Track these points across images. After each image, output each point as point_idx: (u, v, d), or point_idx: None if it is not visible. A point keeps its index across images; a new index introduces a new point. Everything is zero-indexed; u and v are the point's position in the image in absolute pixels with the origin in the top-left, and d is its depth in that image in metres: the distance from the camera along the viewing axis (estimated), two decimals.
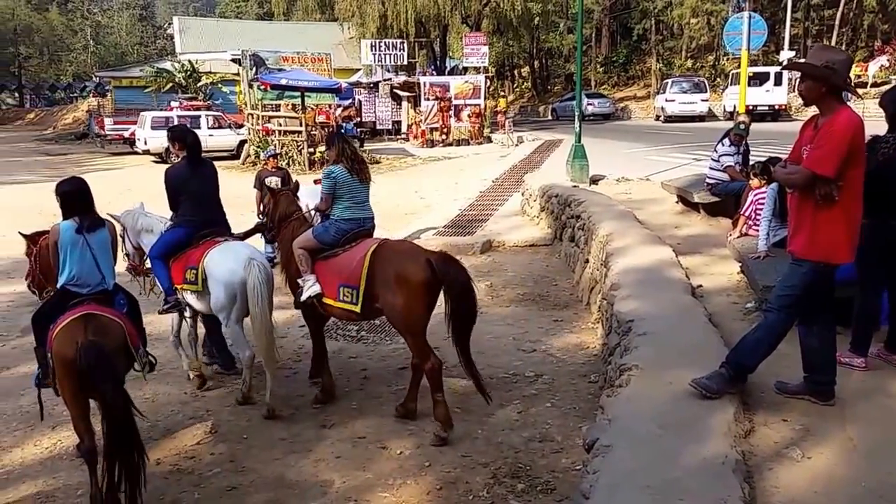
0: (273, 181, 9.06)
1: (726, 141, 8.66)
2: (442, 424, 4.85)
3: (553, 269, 9.36)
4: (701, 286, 6.31)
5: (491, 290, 8.51)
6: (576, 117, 14.39)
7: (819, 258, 3.76)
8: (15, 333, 7.43)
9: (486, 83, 29.66)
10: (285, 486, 4.38)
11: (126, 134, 28.07)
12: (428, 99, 27.88)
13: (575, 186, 11.86)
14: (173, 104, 29.46)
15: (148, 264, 6.04)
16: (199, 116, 25.89)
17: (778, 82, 28.15)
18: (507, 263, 9.65)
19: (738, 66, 23.11)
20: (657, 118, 33.57)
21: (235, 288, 5.38)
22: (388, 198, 15.75)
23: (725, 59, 37.03)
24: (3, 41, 67.77)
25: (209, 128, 25.42)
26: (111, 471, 3.91)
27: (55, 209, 4.57)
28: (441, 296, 5.01)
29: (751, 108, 22.91)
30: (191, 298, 5.75)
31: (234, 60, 29.01)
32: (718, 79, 37.05)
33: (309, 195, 9.15)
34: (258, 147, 22.35)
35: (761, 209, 6.37)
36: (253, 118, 24.34)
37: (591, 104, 35.88)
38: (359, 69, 35.85)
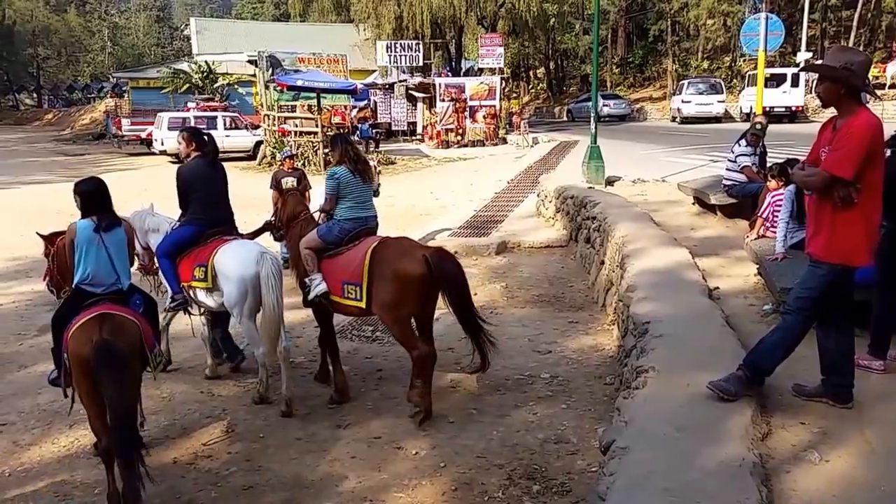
0: (289, 182, 9.11)
1: (743, 141, 8.62)
2: (414, 403, 5.18)
3: (568, 270, 9.34)
4: (718, 288, 6.28)
5: (506, 290, 8.51)
6: (592, 118, 14.35)
7: (837, 260, 3.74)
8: (33, 332, 7.51)
9: (501, 84, 29.63)
10: (301, 485, 4.40)
11: (143, 134, 28.24)
12: (443, 100, 27.89)
13: (590, 188, 11.83)
14: (190, 105, 29.63)
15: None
16: (216, 117, 26.02)
17: (795, 83, 27.93)
18: (523, 264, 9.64)
19: (755, 68, 22.93)
20: (673, 119, 33.40)
21: (247, 283, 5.45)
22: (403, 198, 15.79)
23: (742, 60, 36.76)
24: (22, 42, 68.53)
25: (226, 129, 25.56)
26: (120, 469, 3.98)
27: (73, 209, 4.61)
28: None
29: (767, 109, 22.73)
30: (200, 295, 5.82)
31: (250, 62, 29.12)
32: (735, 80, 36.81)
33: (320, 196, 9.21)
34: (274, 148, 22.45)
35: (779, 211, 6.33)
36: (269, 119, 24.44)
37: (606, 105, 35.73)
38: (374, 70, 35.92)
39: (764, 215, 6.88)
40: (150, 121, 28.15)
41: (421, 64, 33.08)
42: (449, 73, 34.05)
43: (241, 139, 25.69)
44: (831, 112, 3.89)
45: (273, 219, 6.48)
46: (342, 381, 5.69)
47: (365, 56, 39.16)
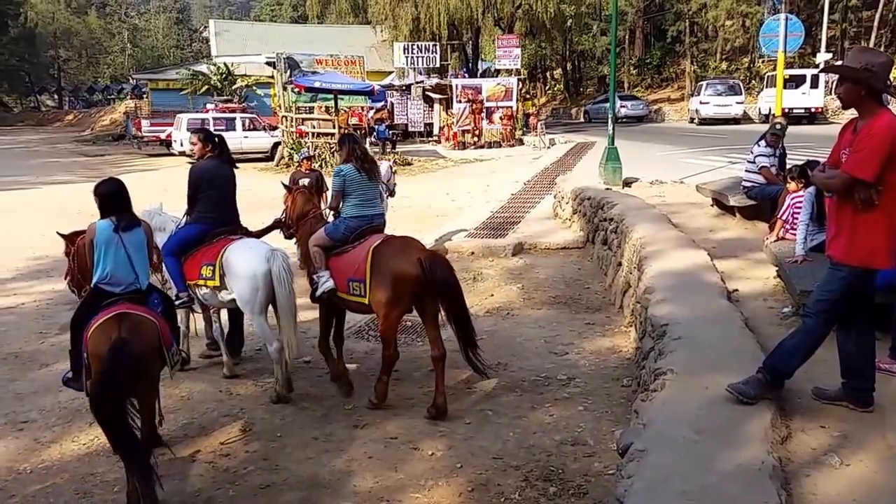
0: (307, 183, 9.16)
1: (762, 142, 8.55)
2: (377, 395, 5.42)
3: (585, 272, 9.31)
4: (737, 290, 6.23)
5: (523, 292, 8.50)
6: (609, 119, 14.30)
7: (858, 263, 3.70)
8: (54, 331, 7.58)
9: (518, 85, 29.61)
10: (318, 484, 4.41)
11: (162, 135, 28.49)
12: (460, 101, 27.91)
13: (608, 189, 11.79)
14: (209, 106, 29.85)
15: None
16: (234, 119, 26.19)
17: (814, 85, 27.70)
18: (539, 266, 9.62)
19: (774, 69, 22.75)
20: (691, 121, 33.22)
21: (259, 280, 5.54)
22: (419, 199, 15.84)
23: (760, 61, 36.50)
24: (44, 44, 69.42)
25: (244, 130, 25.73)
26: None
27: (93, 209, 4.66)
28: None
29: (787, 110, 22.58)
30: (206, 293, 5.91)
31: (268, 63, 29.35)
32: (753, 81, 36.55)
33: None
34: (291, 149, 22.57)
35: (798, 213, 6.28)
36: (287, 120, 24.58)
37: (624, 106, 35.61)
38: (391, 72, 36.02)
39: (784, 217, 6.83)
40: (169, 122, 28.38)
41: (438, 65, 33.11)
42: (466, 75, 34.07)
43: (259, 140, 25.84)
44: (851, 114, 3.86)
45: (283, 217, 6.58)
46: (343, 369, 5.99)
47: (382, 57, 39.28)
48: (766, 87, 28.91)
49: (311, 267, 5.80)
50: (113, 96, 62.87)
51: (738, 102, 30.76)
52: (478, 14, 33.11)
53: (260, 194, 11.06)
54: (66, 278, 5.87)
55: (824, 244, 4.06)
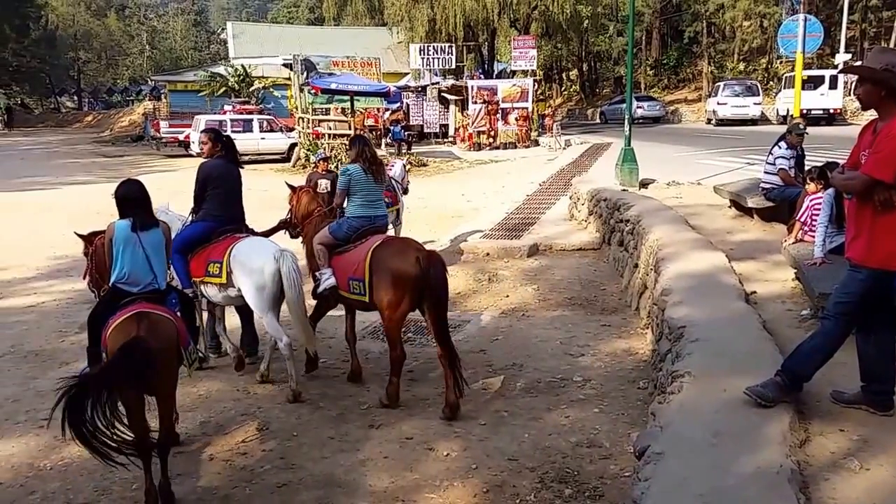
0: (323, 184, 9.19)
1: (783, 144, 8.47)
2: (388, 397, 5.47)
3: (601, 273, 9.28)
4: (755, 293, 6.19)
5: (538, 293, 8.49)
6: (626, 120, 14.25)
7: (878, 265, 3.67)
8: (74, 329, 7.65)
9: (534, 86, 29.56)
10: (334, 484, 4.43)
11: (181, 137, 28.69)
12: (475, 102, 27.91)
13: (624, 190, 11.75)
14: (226, 108, 30.01)
15: None
16: (252, 120, 26.36)
17: (833, 86, 27.48)
18: (555, 267, 9.60)
19: (792, 70, 22.60)
20: (708, 122, 33.05)
21: (266, 278, 5.64)
22: (435, 200, 15.85)
23: (778, 62, 36.23)
24: (64, 46, 70.13)
25: (261, 131, 25.89)
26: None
27: (112, 209, 4.70)
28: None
29: (805, 112, 22.41)
30: (211, 291, 6.00)
31: (285, 65, 29.49)
32: (771, 82, 36.29)
33: None
34: (308, 150, 22.68)
35: (817, 215, 6.23)
36: (303, 122, 24.69)
37: (640, 107, 35.45)
38: (407, 73, 36.10)
39: (802, 219, 6.78)
40: (187, 123, 28.58)
41: (453, 66, 33.13)
42: (481, 76, 34.05)
43: (276, 142, 25.99)
44: (871, 115, 3.83)
45: (288, 217, 6.72)
46: (315, 355, 6.25)
47: (398, 59, 39.39)
48: (784, 87, 28.71)
49: (312, 264, 6.01)
50: (132, 98, 63.54)
51: (755, 103, 30.57)
52: (493, 15, 33.11)
53: (276, 195, 11.07)
54: (84, 278, 5.94)
55: (843, 246, 4.03)
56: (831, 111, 27.77)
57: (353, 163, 5.94)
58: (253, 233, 6.39)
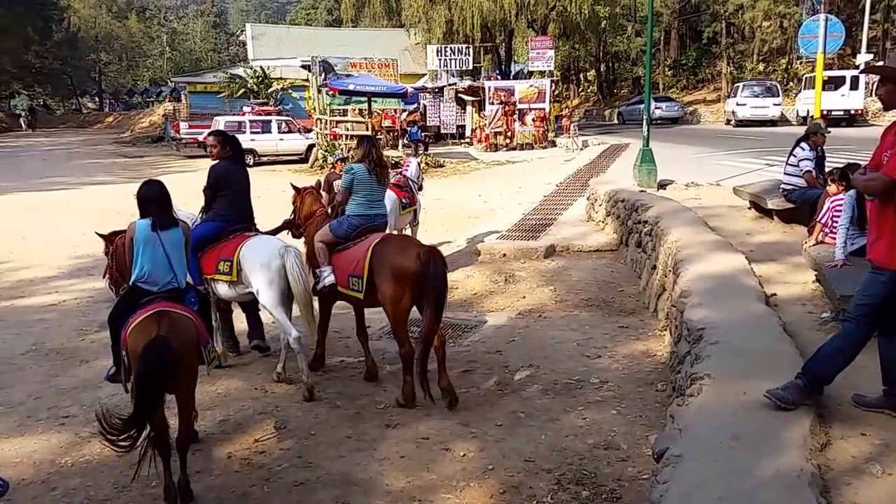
0: (338, 184, 9.24)
1: (805, 145, 8.38)
2: (404, 397, 5.51)
3: (618, 274, 9.24)
4: (775, 295, 6.13)
5: (555, 294, 8.46)
6: (644, 121, 14.17)
7: None
8: (94, 328, 7.73)
9: (551, 87, 29.49)
10: (351, 483, 4.44)
11: (200, 137, 28.78)
12: (492, 103, 27.88)
13: (642, 191, 11.69)
14: (245, 109, 30.19)
15: None
16: (270, 121, 26.49)
17: (854, 86, 27.20)
18: (572, 268, 9.57)
19: (812, 70, 22.38)
20: (727, 122, 32.81)
21: (273, 274, 5.80)
22: (451, 201, 15.86)
23: (798, 62, 35.88)
24: (86, 48, 70.89)
25: (279, 132, 26.02)
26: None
27: (132, 209, 4.75)
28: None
29: (825, 112, 22.19)
30: (222, 288, 6.14)
31: (303, 66, 29.64)
32: (791, 83, 35.96)
33: None
34: (325, 151, 22.75)
35: (838, 216, 6.16)
36: (321, 123, 24.78)
37: (658, 108, 35.28)
38: (424, 74, 36.13)
39: (823, 221, 6.71)
40: (207, 124, 28.71)
41: (470, 67, 33.13)
42: (498, 77, 34.02)
43: (294, 143, 26.12)
44: (893, 115, 3.79)
45: (292, 216, 6.88)
46: (322, 352, 6.41)
47: (415, 60, 39.46)
48: (805, 88, 28.44)
49: (313, 262, 6.13)
50: (152, 99, 63.99)
51: (775, 104, 30.30)
52: (511, 16, 33.06)
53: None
54: (105, 277, 6.01)
55: (865, 248, 3.99)
56: (852, 112, 27.50)
57: (358, 162, 6.09)
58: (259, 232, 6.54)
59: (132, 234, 4.57)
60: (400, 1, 39.68)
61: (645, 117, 14.26)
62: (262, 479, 4.54)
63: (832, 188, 6.91)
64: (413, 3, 35.78)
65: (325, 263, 5.94)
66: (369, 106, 23.35)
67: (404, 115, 28.92)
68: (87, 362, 6.79)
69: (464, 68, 32.87)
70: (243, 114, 28.52)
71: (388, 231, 6.60)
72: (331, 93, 25.03)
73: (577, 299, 8.24)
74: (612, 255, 10.26)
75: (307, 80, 31.02)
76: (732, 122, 31.53)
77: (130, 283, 4.57)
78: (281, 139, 25.90)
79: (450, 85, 32.16)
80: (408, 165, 10.73)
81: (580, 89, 60.60)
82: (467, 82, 32.06)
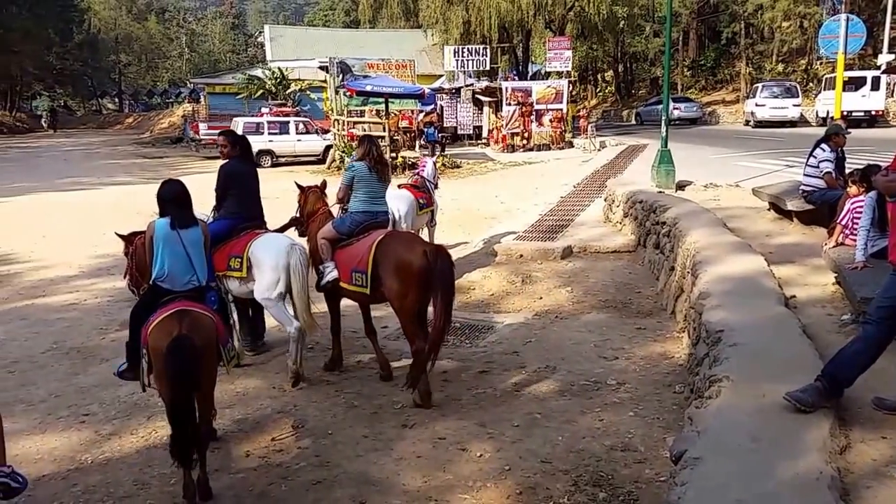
0: None
1: (826, 146, 8.31)
2: (420, 396, 5.50)
3: (636, 276, 9.20)
4: (794, 297, 6.09)
5: (572, 295, 8.44)
6: (662, 121, 14.11)
7: None
8: (114, 327, 7.80)
9: (568, 87, 29.40)
10: (368, 482, 4.46)
11: None
12: (509, 104, 27.84)
13: (660, 192, 11.63)
14: (264, 110, 30.35)
15: None
16: (288, 122, 26.63)
17: (875, 87, 26.93)
18: (589, 269, 9.54)
19: (832, 71, 22.18)
20: (746, 123, 32.59)
21: (279, 271, 5.97)
22: (468, 202, 15.86)
23: (818, 62, 35.56)
24: (106, 50, 71.69)
25: (297, 133, 26.15)
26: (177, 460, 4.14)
27: (151, 209, 4.79)
28: None
29: (846, 113, 21.99)
30: (233, 284, 6.24)
31: (321, 68, 29.70)
32: (811, 83, 35.64)
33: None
34: (343, 152, 22.81)
35: (859, 218, 6.11)
36: (338, 124, 24.86)
37: (677, 108, 35.12)
38: (441, 75, 36.14)
39: (843, 222, 6.65)
40: (226, 125, 28.84)
41: (487, 68, 33.09)
42: (515, 77, 33.96)
43: (312, 143, 26.24)
44: None
45: (297, 215, 6.97)
46: (339, 353, 6.45)
47: (432, 61, 39.47)
48: (825, 89, 28.20)
49: (316, 258, 6.23)
50: (171, 100, 64.64)
51: (794, 105, 30.06)
52: (528, 16, 33.01)
53: None
54: (125, 277, 6.07)
55: (886, 250, 3.95)
56: (873, 113, 27.24)
57: (359, 160, 6.26)
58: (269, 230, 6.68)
59: (151, 233, 4.61)
60: (417, 2, 39.76)
61: (663, 118, 14.20)
62: (280, 478, 4.57)
63: (852, 189, 6.85)
64: (430, 4, 35.83)
65: (328, 259, 6.06)
66: (386, 107, 23.38)
67: (421, 115, 28.94)
68: (108, 361, 6.84)
69: (481, 69, 32.81)
70: (261, 115, 28.67)
71: (406, 231, 6.63)
72: (348, 94, 25.04)
73: (595, 300, 8.22)
74: (630, 256, 10.22)
75: (325, 81, 31.09)
76: (751, 123, 31.32)
77: (150, 283, 4.61)
78: (299, 140, 26.03)
79: (467, 86, 32.14)
80: (424, 165, 10.75)
81: (598, 90, 60.38)
82: (484, 83, 32.04)
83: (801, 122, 30.43)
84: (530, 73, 36.50)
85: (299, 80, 36.01)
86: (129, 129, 56.52)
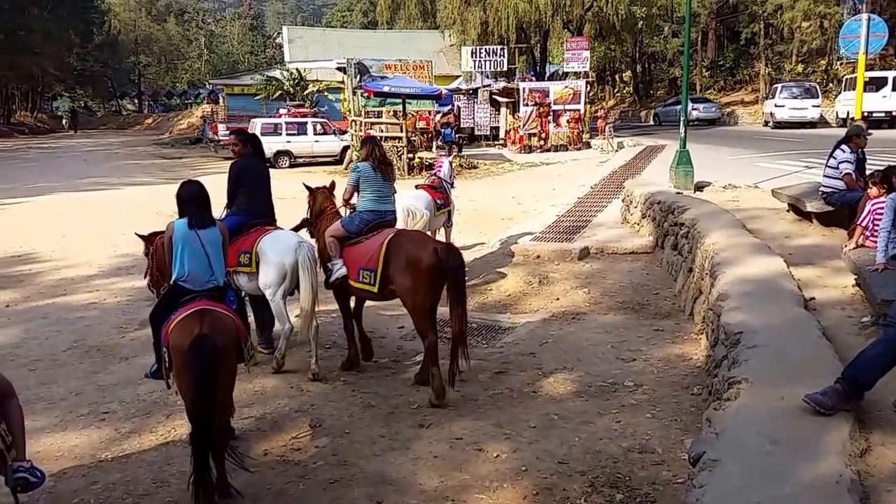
0: None
1: (846, 147, 8.23)
2: (435, 394, 5.53)
3: (654, 277, 9.15)
4: (814, 299, 6.03)
5: (589, 296, 8.42)
6: (681, 122, 14.03)
7: None
8: (134, 326, 7.88)
9: (586, 88, 29.32)
10: (385, 481, 4.47)
11: None
12: (527, 104, 27.80)
13: (679, 193, 11.56)
14: (282, 111, 30.51)
15: None
16: (306, 123, 26.75)
17: None
18: (606, 270, 9.50)
19: (853, 71, 21.96)
20: (766, 124, 32.31)
21: (286, 268, 6.10)
22: (485, 202, 15.86)
23: (839, 63, 35.19)
24: (126, 51, 72.41)
25: (315, 134, 26.27)
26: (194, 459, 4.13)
27: (171, 209, 4.83)
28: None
29: (866, 114, 21.74)
30: (242, 280, 6.36)
31: (339, 69, 29.85)
32: (831, 84, 35.30)
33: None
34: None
35: (879, 219, 6.06)
36: (356, 125, 24.94)
37: (695, 109, 34.87)
38: (459, 76, 36.15)
39: (864, 224, 6.59)
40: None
41: (505, 69, 33.05)
42: (533, 78, 33.89)
43: (330, 144, 26.36)
44: None
45: (307, 215, 7.06)
46: (355, 353, 6.48)
47: (450, 62, 39.49)
48: (845, 89, 27.90)
49: (324, 256, 6.30)
50: (190, 101, 65.20)
51: (814, 105, 29.75)
52: (546, 17, 32.90)
53: None
54: (145, 278, 6.13)
55: None
56: (894, 114, 26.92)
57: (363, 161, 6.35)
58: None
59: (170, 233, 4.64)
60: (435, 2, 39.83)
61: (682, 118, 14.12)
62: (298, 477, 4.59)
63: (873, 191, 6.78)
64: (448, 5, 35.86)
65: (336, 257, 6.13)
66: (403, 108, 23.44)
67: (438, 116, 28.97)
68: (127, 359, 6.93)
69: (498, 70, 32.77)
70: (280, 116, 28.82)
71: (425, 232, 6.67)
72: (366, 94, 25.15)
73: (612, 302, 8.19)
74: (648, 257, 10.17)
75: (342, 82, 31.23)
76: (771, 124, 31.04)
77: (172, 282, 4.65)
78: (316, 141, 26.15)
79: (484, 86, 32.13)
80: (440, 166, 10.76)
81: (615, 90, 60.14)
82: (501, 84, 31.99)
83: (821, 122, 30.13)
84: (548, 74, 36.40)
85: (317, 81, 36.16)
86: (149, 130, 57.00)
